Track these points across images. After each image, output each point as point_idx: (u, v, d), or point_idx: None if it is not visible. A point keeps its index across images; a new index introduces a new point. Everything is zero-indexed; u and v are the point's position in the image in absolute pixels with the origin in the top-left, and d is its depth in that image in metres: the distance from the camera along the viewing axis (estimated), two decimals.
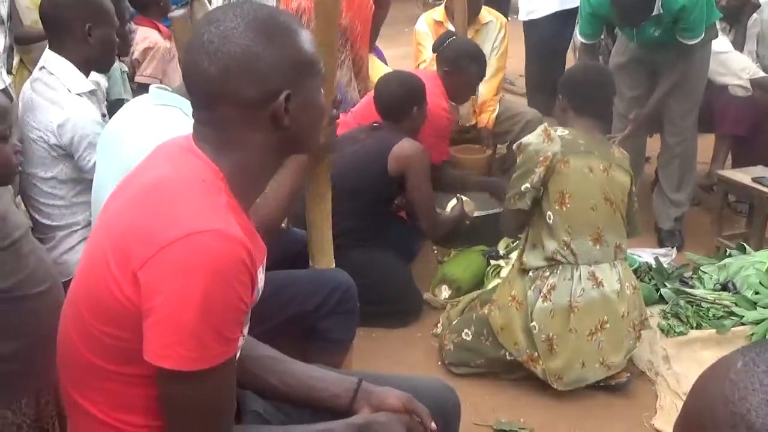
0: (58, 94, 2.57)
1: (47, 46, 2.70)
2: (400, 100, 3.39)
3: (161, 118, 1.94)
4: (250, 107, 1.28)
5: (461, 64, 3.79)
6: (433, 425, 1.59)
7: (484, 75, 3.96)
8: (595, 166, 2.80)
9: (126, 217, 1.26)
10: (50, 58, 2.63)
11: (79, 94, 2.60)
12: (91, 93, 2.68)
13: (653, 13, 3.57)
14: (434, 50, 3.99)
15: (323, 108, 1.41)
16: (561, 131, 2.84)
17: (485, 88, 4.47)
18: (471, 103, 4.40)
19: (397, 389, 1.63)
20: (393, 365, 2.99)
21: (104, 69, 2.89)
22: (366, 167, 3.22)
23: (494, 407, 2.79)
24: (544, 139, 2.81)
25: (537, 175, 2.77)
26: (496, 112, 4.44)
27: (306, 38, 1.33)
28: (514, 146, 2.96)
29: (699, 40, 3.72)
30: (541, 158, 2.77)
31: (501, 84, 4.64)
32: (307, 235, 2.49)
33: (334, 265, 2.47)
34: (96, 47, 2.65)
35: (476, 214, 3.79)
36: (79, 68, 2.63)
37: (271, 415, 1.60)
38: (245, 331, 1.35)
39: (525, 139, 2.89)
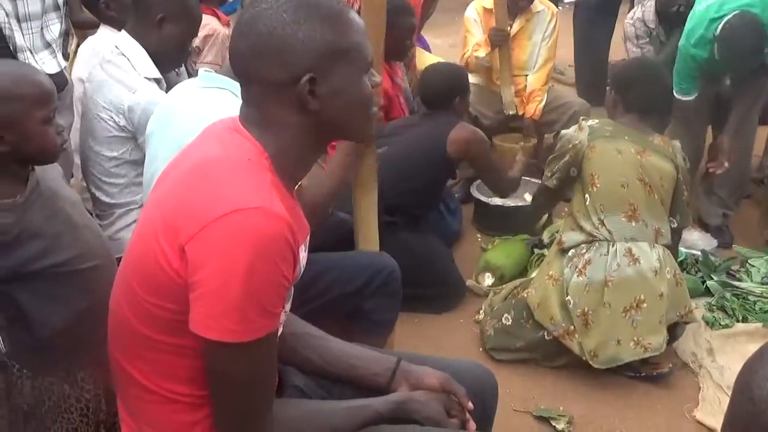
0: (129, 77, 2.61)
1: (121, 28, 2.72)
2: (443, 90, 3.47)
3: (210, 100, 1.99)
4: (277, 88, 1.31)
5: (394, 19, 3.66)
6: (470, 405, 1.62)
7: (413, 26, 3.87)
8: (624, 148, 2.87)
9: (176, 194, 1.31)
10: (124, 40, 2.65)
11: (148, 79, 2.63)
12: (158, 81, 2.68)
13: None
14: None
15: (363, 96, 1.38)
16: (591, 122, 2.99)
17: (534, 78, 4.46)
18: (512, 91, 4.39)
19: (436, 369, 1.66)
20: (434, 350, 3.01)
21: (165, 68, 2.76)
22: (424, 150, 3.30)
23: (534, 395, 2.81)
24: (576, 129, 2.99)
25: (565, 159, 2.96)
26: (544, 102, 4.42)
27: (346, 23, 1.33)
28: (558, 137, 3.11)
29: None
30: (570, 146, 2.93)
31: (550, 74, 4.61)
32: (352, 221, 2.53)
33: (378, 250, 2.51)
34: (164, 42, 2.63)
35: (520, 203, 3.81)
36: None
37: (312, 390, 1.65)
38: (287, 306, 1.39)
39: (563, 132, 3.10)
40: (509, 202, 3.99)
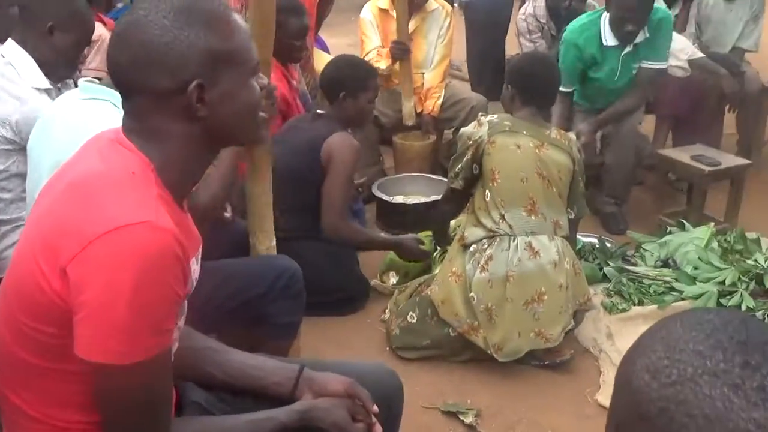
0: (18, 88, 2.49)
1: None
2: (329, 82, 3.32)
3: (90, 112, 1.92)
4: (163, 97, 1.27)
5: (279, 19, 3.65)
6: (375, 408, 1.61)
7: (305, 27, 3.73)
8: (523, 143, 2.91)
9: (55, 212, 1.26)
10: (11, 49, 2.53)
11: (38, 89, 2.52)
12: (48, 91, 2.57)
13: (639, 39, 3.86)
14: None
15: (252, 100, 1.36)
16: (490, 117, 3.00)
17: (431, 75, 4.50)
18: (413, 103, 4.41)
19: (339, 375, 1.65)
20: (341, 352, 3.01)
21: (56, 78, 2.64)
22: (303, 159, 3.17)
23: (442, 390, 2.83)
24: (475, 125, 2.99)
25: (467, 157, 2.95)
26: (442, 98, 4.47)
27: (229, 26, 1.31)
28: (458, 136, 3.10)
29: (666, 65, 4.02)
30: (470, 142, 2.94)
31: (447, 71, 4.66)
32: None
33: (275, 252, 2.49)
34: (54, 51, 2.53)
35: (422, 200, 3.84)
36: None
37: (213, 405, 1.61)
38: (181, 322, 1.35)
39: (462, 129, 3.09)
40: (411, 200, 4.01)
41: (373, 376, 1.77)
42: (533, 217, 2.89)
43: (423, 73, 4.53)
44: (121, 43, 1.27)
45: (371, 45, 4.46)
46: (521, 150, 2.91)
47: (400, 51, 4.30)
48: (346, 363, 1.84)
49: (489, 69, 5.41)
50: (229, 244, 2.63)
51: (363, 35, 4.53)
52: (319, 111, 3.36)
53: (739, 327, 0.74)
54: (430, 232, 3.72)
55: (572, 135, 3.09)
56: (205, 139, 1.33)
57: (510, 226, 2.87)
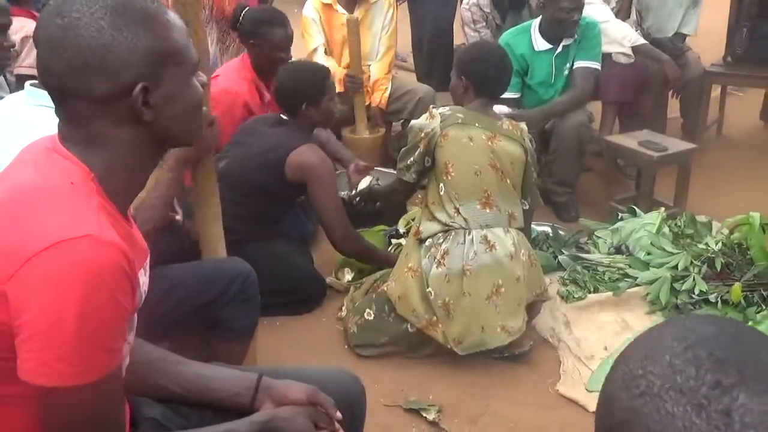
0: None
1: None
2: (289, 94, 3.18)
3: (34, 120, 1.83)
4: (104, 102, 1.21)
5: (263, 32, 3.59)
6: (339, 415, 1.57)
7: (290, 37, 3.66)
8: (475, 135, 2.88)
9: None
10: None
11: None
12: None
13: (568, 42, 3.99)
14: (232, 27, 3.80)
15: (196, 98, 1.32)
16: (442, 109, 2.96)
17: (377, 68, 4.46)
18: (367, 131, 4.39)
19: (300, 382, 1.60)
20: (298, 353, 2.96)
21: None
22: (263, 169, 3.07)
23: (403, 387, 2.80)
24: (427, 118, 2.95)
25: (419, 150, 2.91)
26: (389, 90, 4.42)
27: (167, 25, 1.25)
28: (409, 128, 3.05)
29: (598, 65, 4.10)
30: (422, 135, 2.90)
31: (392, 62, 4.62)
32: None
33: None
34: None
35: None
36: None
37: (170, 420, 1.54)
38: (130, 337, 1.29)
39: (413, 122, 3.04)
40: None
41: (335, 382, 1.72)
42: (488, 210, 2.87)
43: (369, 66, 4.48)
44: (53, 48, 1.19)
45: (315, 43, 4.40)
46: (474, 142, 2.88)
47: (354, 85, 4.27)
48: (307, 369, 1.80)
49: (439, 60, 5.39)
50: (178, 248, 2.56)
51: (306, 33, 4.46)
52: (282, 116, 3.24)
53: (725, 342, 0.70)
54: (382, 227, 3.70)
55: (524, 125, 3.07)
56: (150, 142, 1.28)
57: (465, 220, 2.85)
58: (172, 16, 1.28)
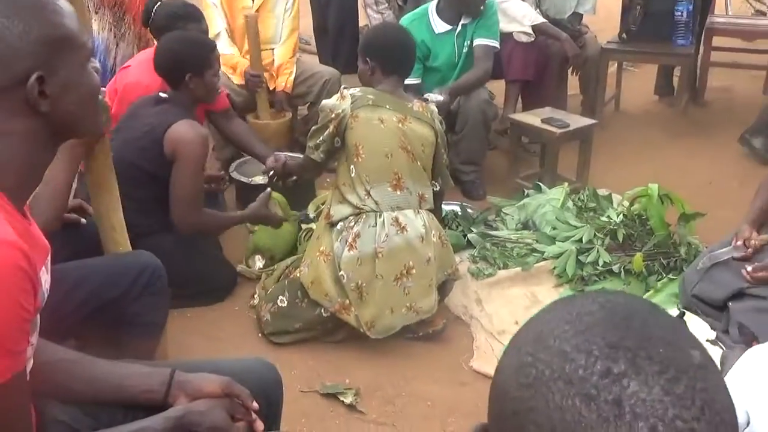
0: None
1: None
2: (172, 62, 3.01)
3: None
4: None
5: (178, 27, 3.43)
6: (255, 405, 1.55)
7: (206, 32, 3.57)
8: (386, 117, 2.88)
9: None
10: None
11: None
12: None
13: (466, 21, 4.03)
14: (144, 24, 3.68)
15: (92, 86, 1.28)
16: (353, 90, 2.94)
17: (281, 51, 4.39)
18: (266, 109, 4.32)
19: (214, 374, 1.57)
20: (212, 344, 2.91)
21: None
22: (144, 152, 2.91)
23: (319, 372, 2.79)
24: (338, 98, 2.92)
25: (329, 130, 2.89)
26: (294, 74, 4.37)
27: (58, 11, 1.21)
28: (320, 107, 3.02)
29: (497, 43, 4.15)
30: (333, 115, 2.87)
31: (296, 45, 4.56)
32: None
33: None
34: None
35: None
36: None
37: (79, 422, 1.49)
38: (33, 339, 1.23)
39: (324, 102, 3.01)
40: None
41: (250, 371, 1.70)
42: (399, 192, 2.87)
43: (272, 49, 4.41)
44: None
45: (216, 29, 4.29)
46: (385, 125, 2.87)
47: (255, 83, 4.20)
48: (222, 361, 1.76)
49: (346, 42, 5.36)
50: (81, 241, 2.48)
51: (207, 18, 4.34)
52: (162, 94, 3.07)
53: (619, 324, 0.65)
54: (293, 212, 3.65)
55: (434, 107, 3.08)
56: (46, 134, 1.23)
57: (376, 202, 2.85)
58: (63, 2, 1.23)
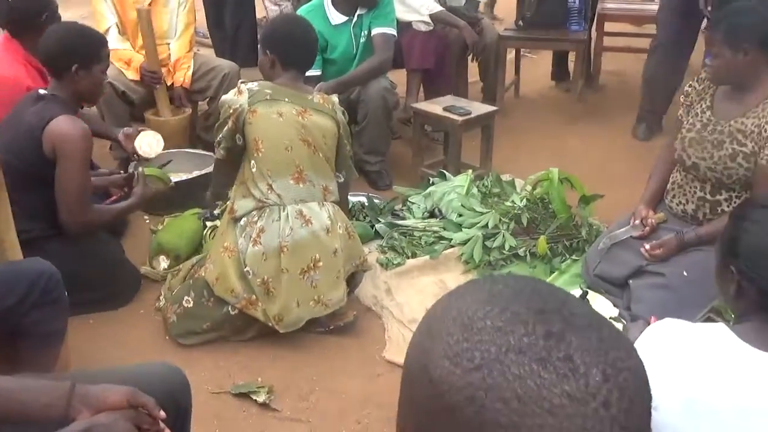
0: None
1: None
2: (56, 54, 2.85)
3: None
4: None
5: (36, 24, 3.33)
6: (162, 414, 1.50)
7: (53, 17, 3.44)
8: (285, 111, 2.85)
9: None
10: None
11: None
12: None
13: (362, 11, 4.03)
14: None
15: None
16: (251, 85, 2.90)
17: (177, 46, 4.29)
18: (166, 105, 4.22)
19: (117, 384, 1.51)
20: (116, 350, 2.82)
21: None
22: (24, 153, 2.75)
23: (230, 372, 2.74)
24: (235, 93, 2.89)
25: (228, 126, 2.85)
26: (192, 68, 4.27)
27: None
28: (219, 103, 2.98)
29: (394, 31, 4.13)
30: (231, 111, 2.84)
31: (193, 39, 4.45)
32: None
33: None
34: None
35: (184, 178, 3.67)
36: None
37: None
38: None
39: (223, 97, 2.97)
40: (174, 178, 3.81)
41: (156, 378, 1.66)
42: (301, 185, 2.85)
43: (168, 44, 4.30)
44: None
45: (107, 23, 4.15)
46: (284, 118, 2.84)
47: (153, 80, 4.10)
48: (126, 368, 1.71)
49: (244, 35, 5.27)
50: None
51: (96, 11, 4.20)
52: (41, 91, 2.91)
53: (531, 295, 0.69)
54: (196, 210, 3.58)
55: (335, 98, 3.06)
56: None
57: (279, 196, 2.82)
58: None
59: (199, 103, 4.55)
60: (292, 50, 2.96)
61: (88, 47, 2.89)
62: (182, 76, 4.25)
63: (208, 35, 5.80)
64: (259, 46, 3.02)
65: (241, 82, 2.95)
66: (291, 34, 2.99)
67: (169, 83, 4.25)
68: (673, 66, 4.57)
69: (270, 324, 2.80)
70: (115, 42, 4.01)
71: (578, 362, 0.64)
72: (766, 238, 1.44)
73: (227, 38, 5.35)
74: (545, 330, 0.65)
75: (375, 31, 4.11)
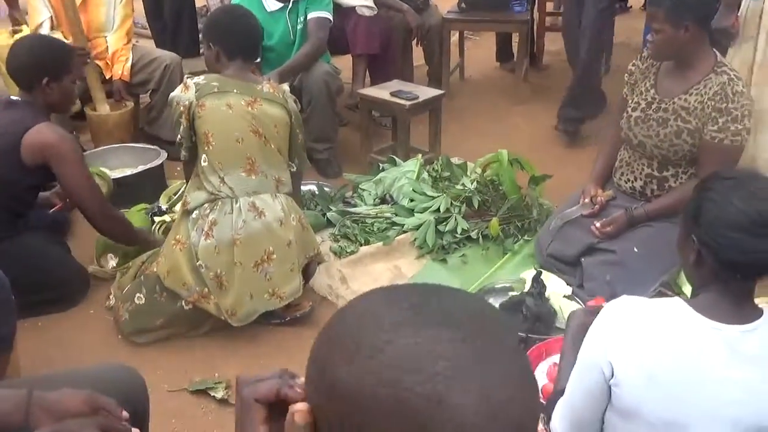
0: None
1: None
2: (25, 67, 2.86)
3: None
4: None
5: None
6: (125, 414, 1.46)
7: None
8: (234, 102, 2.82)
9: None
10: None
11: None
12: None
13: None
14: None
15: None
16: (197, 79, 2.87)
17: (114, 38, 4.18)
18: (107, 108, 4.12)
19: (74, 388, 1.47)
20: (68, 352, 2.76)
21: None
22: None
23: (186, 369, 2.70)
24: (182, 89, 2.85)
25: (183, 125, 2.82)
26: (131, 61, 4.17)
27: None
28: (169, 101, 2.94)
29: (329, 15, 4.08)
30: (181, 108, 2.80)
31: (131, 31, 4.35)
32: None
33: None
34: None
35: (129, 173, 3.60)
36: None
37: None
38: None
39: (171, 94, 2.90)
40: (117, 174, 3.73)
41: (110, 379, 1.63)
42: (253, 177, 2.81)
43: (105, 37, 4.19)
44: None
45: (40, 17, 4.04)
46: (233, 110, 2.80)
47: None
48: (78, 372, 1.67)
49: (185, 25, 5.17)
50: None
51: (29, 6, 4.08)
52: (13, 98, 2.91)
53: (419, 294, 0.76)
54: (143, 205, 3.51)
55: (285, 87, 3.03)
56: None
57: (231, 189, 2.78)
58: None
59: (141, 96, 4.46)
60: (235, 40, 2.92)
61: (58, 60, 2.90)
62: (121, 69, 4.15)
63: (147, 26, 5.69)
64: (200, 38, 2.96)
65: (187, 77, 2.91)
66: (232, 25, 2.95)
67: (107, 76, 4.15)
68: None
69: (223, 317, 2.76)
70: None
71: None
72: (726, 209, 1.47)
73: (167, 29, 5.23)
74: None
75: (311, 15, 4.07)
